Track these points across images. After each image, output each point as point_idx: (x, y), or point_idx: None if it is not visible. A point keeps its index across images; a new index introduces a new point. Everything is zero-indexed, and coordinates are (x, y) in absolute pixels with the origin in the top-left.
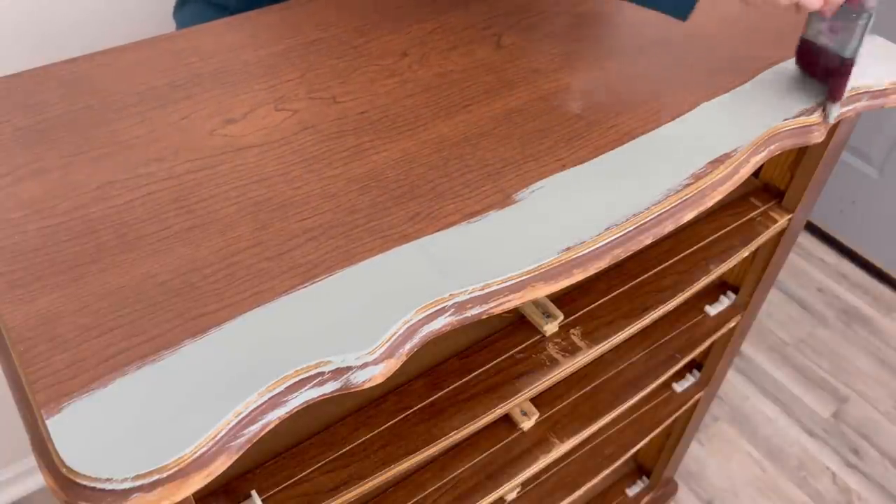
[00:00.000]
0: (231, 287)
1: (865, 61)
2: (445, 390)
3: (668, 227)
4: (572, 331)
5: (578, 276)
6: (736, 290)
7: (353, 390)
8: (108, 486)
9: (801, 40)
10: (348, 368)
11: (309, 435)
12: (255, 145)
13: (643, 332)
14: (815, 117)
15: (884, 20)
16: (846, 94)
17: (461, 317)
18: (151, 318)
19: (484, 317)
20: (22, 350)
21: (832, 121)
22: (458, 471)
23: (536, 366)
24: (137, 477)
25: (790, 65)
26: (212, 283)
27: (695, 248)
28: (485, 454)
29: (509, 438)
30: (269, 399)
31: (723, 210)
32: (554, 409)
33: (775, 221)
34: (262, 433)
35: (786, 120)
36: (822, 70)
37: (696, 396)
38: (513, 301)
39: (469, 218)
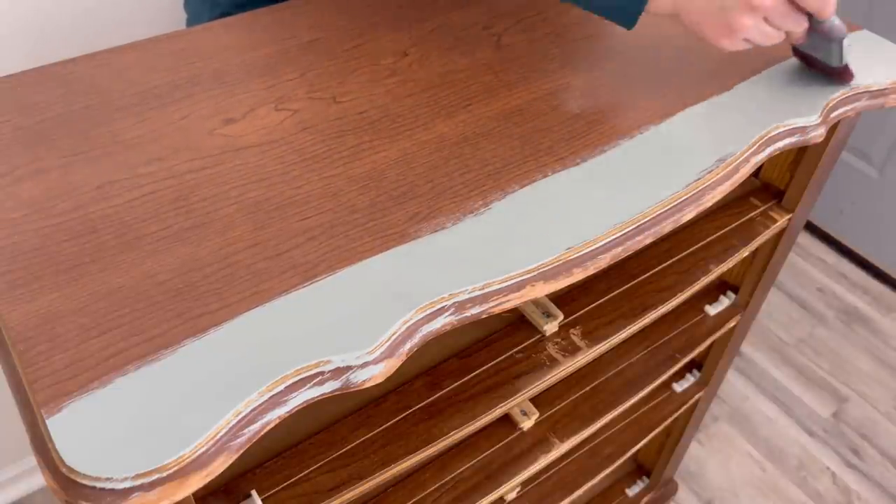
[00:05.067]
0: (231, 287)
1: (865, 61)
2: (445, 390)
3: (668, 226)
4: (572, 330)
5: (578, 275)
6: (736, 290)
7: (353, 390)
8: (108, 486)
9: (792, 46)
10: (348, 368)
11: (309, 435)
12: (255, 145)
13: (643, 332)
14: (816, 117)
15: (884, 20)
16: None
17: (461, 316)
18: (151, 318)
19: (484, 316)
20: (22, 350)
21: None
22: (458, 471)
23: (536, 366)
24: (137, 476)
25: (790, 64)
26: (212, 282)
27: (695, 248)
28: (485, 454)
29: (509, 438)
30: (269, 398)
31: (723, 210)
32: (554, 409)
33: (775, 221)
34: (262, 433)
35: (786, 120)
36: (821, 69)
37: (696, 396)
38: (513, 301)
39: (469, 217)
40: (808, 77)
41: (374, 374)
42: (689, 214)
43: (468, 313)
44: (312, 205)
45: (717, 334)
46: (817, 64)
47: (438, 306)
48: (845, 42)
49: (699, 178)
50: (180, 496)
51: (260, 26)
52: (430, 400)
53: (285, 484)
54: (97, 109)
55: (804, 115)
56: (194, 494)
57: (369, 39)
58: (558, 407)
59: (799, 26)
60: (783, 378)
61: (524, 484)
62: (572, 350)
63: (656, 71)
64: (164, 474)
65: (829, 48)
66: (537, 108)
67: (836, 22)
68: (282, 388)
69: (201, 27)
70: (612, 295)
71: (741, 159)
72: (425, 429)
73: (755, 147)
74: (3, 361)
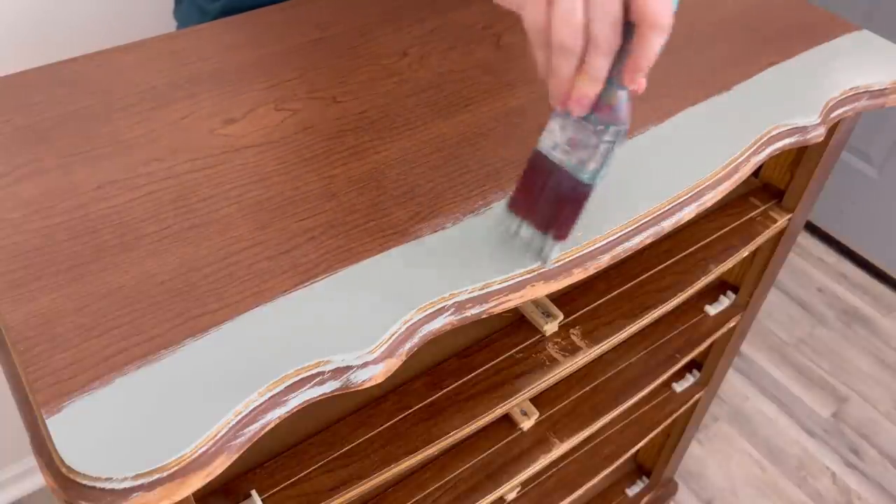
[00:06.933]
0: (231, 287)
1: (865, 61)
2: (445, 390)
3: (668, 226)
4: (572, 330)
5: (578, 275)
6: (736, 290)
7: (353, 390)
8: (108, 486)
9: (533, 154)
10: (348, 368)
11: (309, 435)
12: (255, 145)
13: (643, 332)
14: (816, 117)
15: (884, 20)
16: (571, 234)
17: (461, 316)
18: (151, 318)
19: (484, 316)
20: (22, 350)
21: (548, 265)
22: (458, 471)
23: (536, 365)
24: (137, 476)
25: (790, 65)
26: (212, 282)
27: (695, 248)
28: (485, 454)
29: (509, 438)
30: (270, 398)
31: (723, 210)
32: (554, 409)
33: (775, 221)
34: (262, 432)
35: (786, 120)
36: (549, 197)
37: (696, 396)
38: (512, 301)
39: (469, 217)
40: (808, 77)
41: (374, 374)
42: (689, 214)
43: (468, 313)
44: (312, 205)
45: (717, 334)
46: (553, 179)
47: (438, 306)
48: (617, 144)
49: (699, 178)
50: (180, 496)
51: (260, 26)
52: (430, 400)
53: (285, 484)
54: (97, 109)
55: (804, 115)
56: (194, 494)
57: (369, 39)
58: (558, 407)
59: (606, 51)
60: (783, 378)
61: (524, 484)
62: (572, 350)
63: (656, 71)
64: (165, 474)
65: (595, 146)
66: (537, 108)
67: (624, 101)
68: (282, 388)
69: (200, 27)
70: (612, 295)
71: (741, 159)
72: (425, 429)
73: (755, 147)
74: (3, 361)
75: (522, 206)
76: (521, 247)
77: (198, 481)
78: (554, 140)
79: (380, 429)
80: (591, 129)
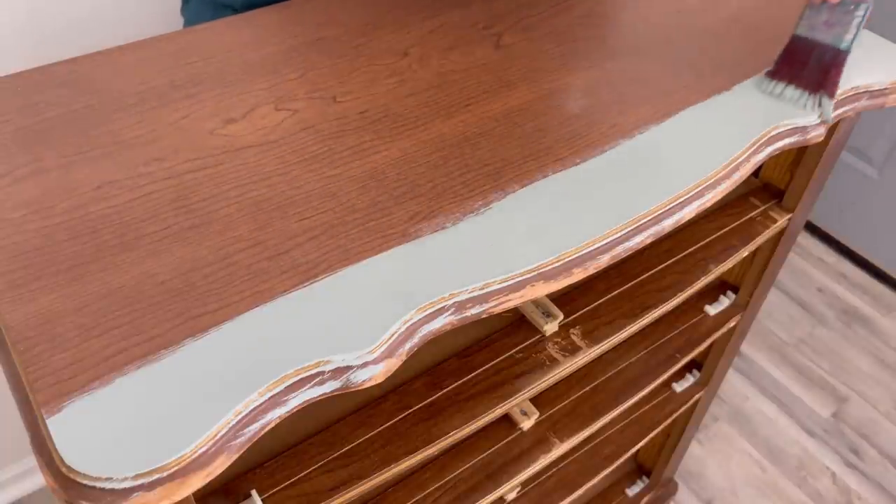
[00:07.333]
0: (231, 286)
1: (865, 61)
2: (445, 390)
3: (668, 226)
4: (572, 330)
5: (578, 275)
6: (736, 290)
7: (353, 390)
8: (108, 486)
9: (793, 38)
10: (348, 368)
11: (309, 435)
12: (255, 145)
13: (643, 331)
14: (815, 117)
15: (884, 20)
16: (839, 91)
17: (461, 316)
18: (151, 318)
19: (484, 316)
20: (22, 350)
21: (831, 119)
22: (458, 471)
23: (536, 365)
24: (138, 476)
25: None
26: (212, 282)
27: (695, 247)
28: (485, 454)
29: (509, 438)
30: (270, 398)
31: (723, 210)
32: (554, 409)
33: (775, 221)
34: (262, 432)
35: (786, 120)
36: (813, 68)
37: (696, 396)
38: (512, 300)
39: (469, 217)
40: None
41: (374, 374)
42: (689, 214)
43: (468, 313)
44: (312, 205)
45: (717, 334)
46: (815, 54)
47: (438, 306)
48: (866, 15)
49: (700, 178)
50: (180, 496)
51: (261, 26)
52: (430, 400)
53: (285, 484)
54: (97, 109)
55: (804, 115)
56: (194, 494)
57: (370, 39)
58: (558, 407)
59: None
60: (783, 378)
61: (524, 484)
62: (572, 350)
63: (657, 71)
64: (165, 474)
65: (848, 21)
66: (537, 108)
67: None
68: (282, 387)
69: (201, 27)
70: (612, 295)
71: (741, 159)
72: (425, 429)
73: (755, 147)
74: (3, 361)
75: (786, 74)
76: (789, 102)
77: (198, 481)
78: (811, 24)
79: (380, 429)
80: (844, 10)
